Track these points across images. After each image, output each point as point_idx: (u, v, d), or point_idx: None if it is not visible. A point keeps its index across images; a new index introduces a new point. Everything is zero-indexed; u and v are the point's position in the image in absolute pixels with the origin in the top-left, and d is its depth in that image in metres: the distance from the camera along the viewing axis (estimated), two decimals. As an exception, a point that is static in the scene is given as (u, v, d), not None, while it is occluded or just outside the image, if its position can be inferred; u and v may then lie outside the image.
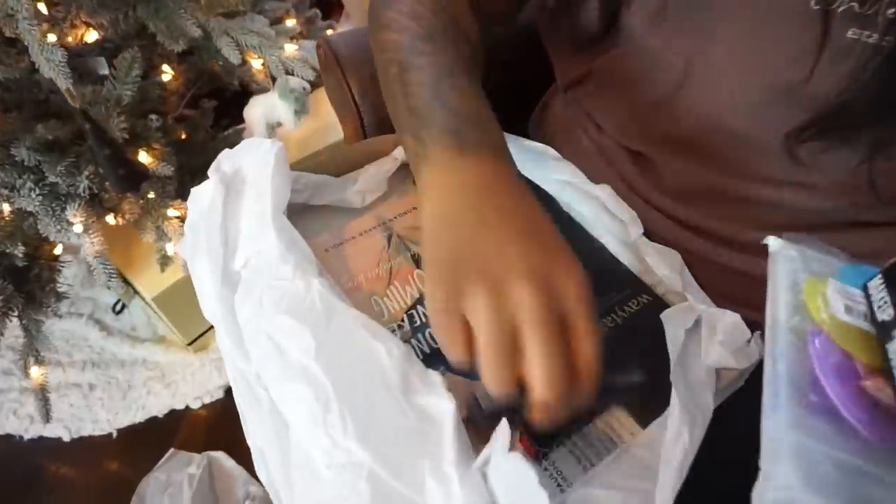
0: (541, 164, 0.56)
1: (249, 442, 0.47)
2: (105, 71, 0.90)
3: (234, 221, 0.49)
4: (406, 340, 0.42)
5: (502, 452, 0.31)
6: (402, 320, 0.43)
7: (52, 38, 0.76)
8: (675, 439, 0.35)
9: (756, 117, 0.43)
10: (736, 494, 0.30)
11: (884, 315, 0.27)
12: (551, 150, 0.54)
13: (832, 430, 0.25)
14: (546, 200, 0.56)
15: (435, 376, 0.37)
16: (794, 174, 0.44)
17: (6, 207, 0.84)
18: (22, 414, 1.18)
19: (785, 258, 0.34)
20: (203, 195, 0.49)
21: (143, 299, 1.30)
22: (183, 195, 0.98)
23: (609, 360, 0.33)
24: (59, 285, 1.01)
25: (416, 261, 0.47)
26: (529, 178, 0.56)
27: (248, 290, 0.45)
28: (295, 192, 0.56)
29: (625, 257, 0.50)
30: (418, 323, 0.43)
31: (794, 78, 0.40)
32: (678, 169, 0.50)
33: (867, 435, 0.25)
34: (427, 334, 0.42)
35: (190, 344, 1.22)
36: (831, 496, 0.23)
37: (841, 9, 0.38)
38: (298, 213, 0.54)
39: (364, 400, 0.37)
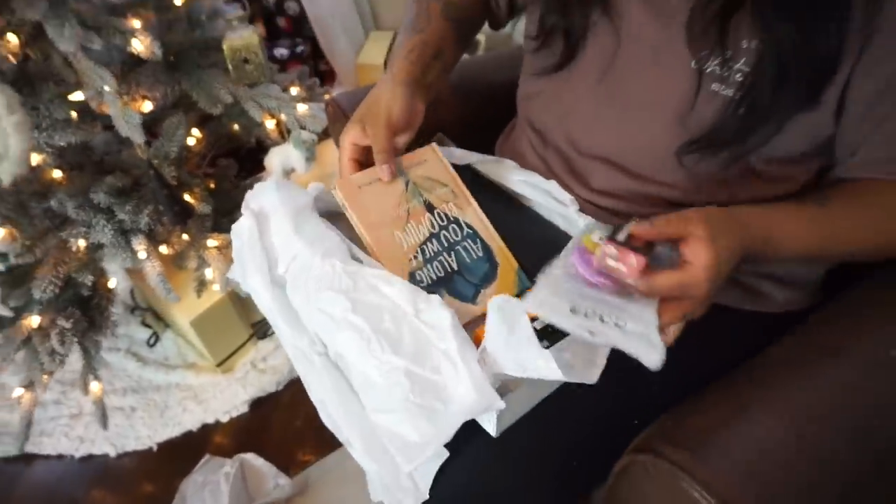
0: (504, 171, 0.79)
1: (312, 397, 0.69)
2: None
3: (269, 241, 0.70)
4: (419, 268, 0.62)
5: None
6: (416, 253, 0.62)
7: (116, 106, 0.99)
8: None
9: (655, 139, 0.65)
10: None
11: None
12: (510, 161, 0.77)
13: (575, 280, 0.51)
14: (510, 197, 0.78)
15: (434, 298, 0.58)
16: (679, 177, 0.65)
17: (82, 243, 1.04)
18: (72, 436, 1.35)
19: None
20: (242, 227, 0.70)
21: (176, 330, 1.49)
22: (217, 230, 1.20)
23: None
24: (112, 313, 1.21)
25: (428, 206, 0.65)
26: (498, 180, 0.78)
27: (295, 285, 0.66)
28: (321, 202, 0.79)
29: (569, 230, 0.72)
30: (428, 256, 0.62)
31: (680, 112, 0.61)
32: (601, 175, 0.72)
33: (589, 280, 0.51)
34: (434, 265, 0.63)
35: (219, 365, 1.41)
36: (562, 297, 0.48)
37: (709, 69, 0.59)
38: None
39: (391, 326, 0.58)
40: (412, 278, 0.60)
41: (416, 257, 0.62)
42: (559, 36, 0.70)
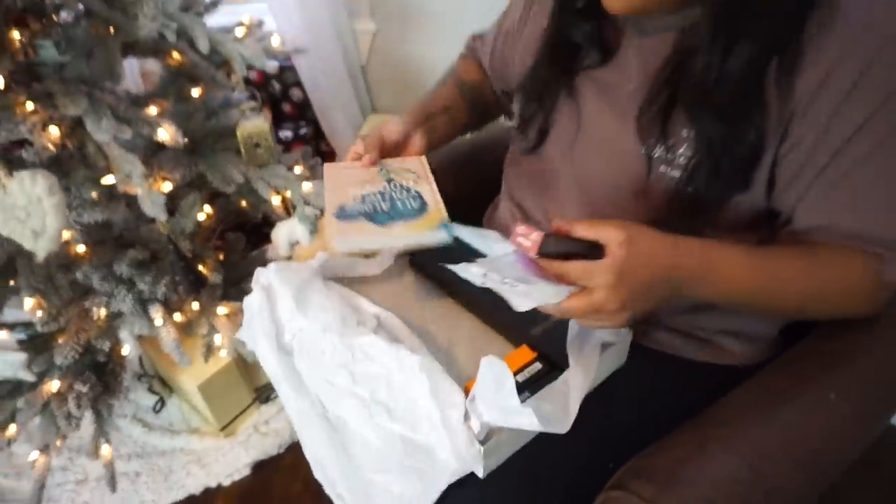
0: (488, 241, 0.89)
1: (308, 454, 0.77)
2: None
3: (277, 313, 0.79)
4: (348, 202, 0.73)
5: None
6: (356, 197, 0.74)
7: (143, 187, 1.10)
8: (575, 377, 0.65)
9: (618, 215, 0.73)
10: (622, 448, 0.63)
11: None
12: (495, 233, 0.87)
13: (509, 262, 0.60)
14: None
15: (415, 361, 0.65)
16: None
17: (103, 311, 1.13)
18: (79, 501, 1.38)
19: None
20: (252, 301, 0.80)
21: (181, 395, 1.55)
22: (226, 298, 1.29)
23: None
24: (125, 379, 1.27)
25: (388, 180, 0.78)
26: (481, 250, 0.88)
27: (300, 354, 0.76)
28: (329, 269, 0.89)
29: None
30: (366, 199, 0.73)
31: (635, 191, 0.72)
32: None
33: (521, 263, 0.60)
34: (365, 204, 0.73)
35: (223, 429, 1.46)
36: (489, 268, 0.58)
37: (656, 154, 0.69)
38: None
39: (387, 395, 0.67)
40: (340, 210, 0.71)
41: (353, 199, 0.73)
42: (535, 121, 0.82)
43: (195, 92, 1.33)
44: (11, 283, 1.16)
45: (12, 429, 1.16)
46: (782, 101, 0.61)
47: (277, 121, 1.83)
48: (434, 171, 0.82)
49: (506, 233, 0.89)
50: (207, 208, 1.43)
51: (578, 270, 0.56)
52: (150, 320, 1.12)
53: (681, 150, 0.67)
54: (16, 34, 0.97)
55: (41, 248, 1.00)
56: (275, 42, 1.36)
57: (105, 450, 1.24)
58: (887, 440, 0.98)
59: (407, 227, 0.70)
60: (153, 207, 1.04)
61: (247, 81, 1.59)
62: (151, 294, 1.14)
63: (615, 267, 0.55)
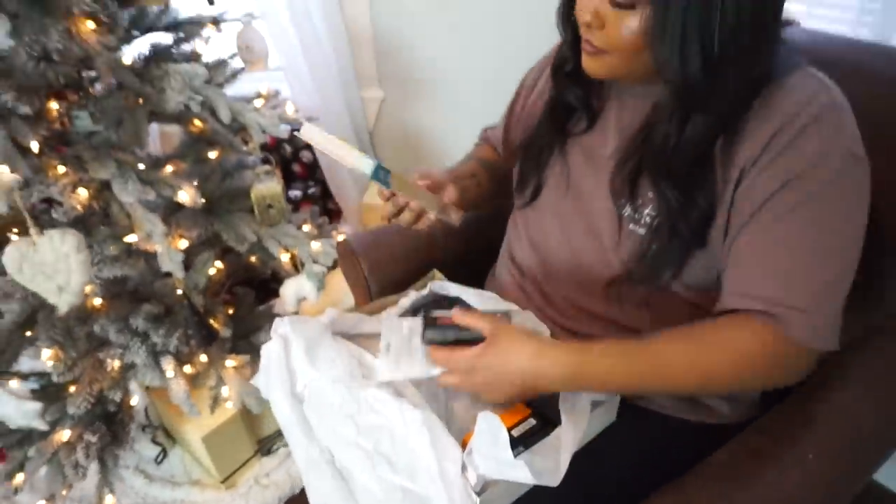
0: (489, 302, 0.95)
1: (312, 500, 0.81)
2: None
3: (291, 363, 0.85)
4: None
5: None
6: None
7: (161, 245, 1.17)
8: (566, 433, 0.70)
9: (591, 271, 0.83)
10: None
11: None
12: (494, 294, 0.93)
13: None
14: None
15: (417, 416, 0.71)
16: (610, 301, 0.83)
17: (117, 363, 1.17)
18: (78, 552, 1.39)
19: None
20: (270, 349, 0.86)
21: (184, 446, 1.57)
22: (235, 351, 1.33)
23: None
24: (132, 429, 1.31)
25: None
26: (483, 309, 0.94)
27: (310, 403, 0.81)
28: (337, 325, 0.94)
29: None
30: None
31: (611, 246, 0.80)
32: (562, 296, 0.89)
33: None
34: None
35: (224, 481, 1.48)
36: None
37: (626, 213, 0.78)
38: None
39: (390, 447, 0.72)
40: None
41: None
42: (531, 179, 0.92)
43: (213, 154, 1.42)
44: (29, 333, 1.21)
45: (20, 478, 1.19)
46: (725, 171, 0.69)
47: (288, 180, 1.92)
48: (436, 245, 0.93)
49: (503, 295, 0.95)
50: (219, 263, 1.50)
51: (441, 357, 0.75)
52: (162, 372, 1.17)
53: (647, 210, 0.76)
54: (54, 105, 1.06)
55: (64, 303, 1.06)
56: (289, 110, 1.46)
57: (109, 500, 1.26)
58: (871, 496, 1.01)
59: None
60: (172, 264, 1.10)
61: (262, 145, 1.68)
62: (164, 347, 1.18)
63: (470, 361, 0.72)
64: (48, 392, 1.19)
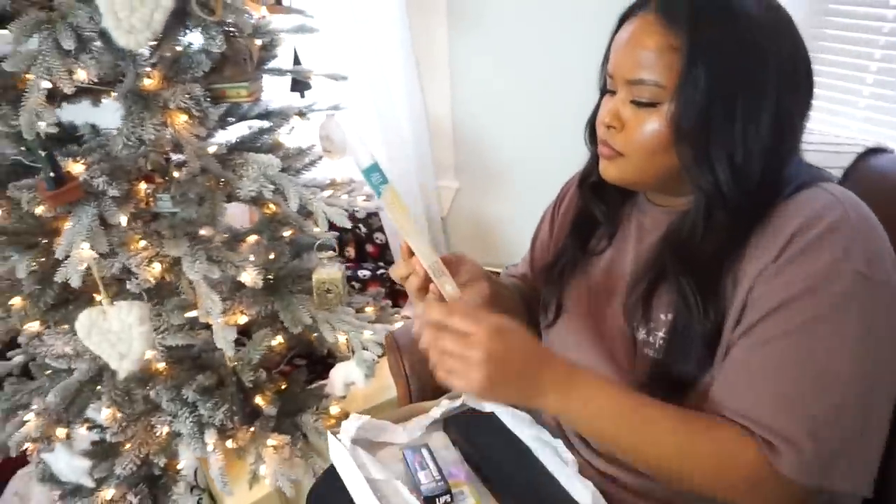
0: (520, 424, 0.92)
1: None
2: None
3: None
4: None
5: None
6: None
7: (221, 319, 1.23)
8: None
9: None
10: None
11: None
12: (526, 416, 0.90)
13: None
14: (524, 448, 0.90)
15: None
16: None
17: (165, 429, 1.23)
18: None
19: None
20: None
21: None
22: (279, 430, 1.36)
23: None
24: (175, 493, 1.35)
25: None
26: (515, 433, 0.91)
27: None
28: (363, 431, 0.95)
29: (570, 489, 0.82)
30: None
31: (626, 368, 0.77)
32: None
33: None
34: None
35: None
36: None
37: (640, 336, 0.76)
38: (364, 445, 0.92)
39: None
40: None
41: None
42: (553, 300, 0.91)
43: (286, 233, 1.50)
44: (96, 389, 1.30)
45: (66, 529, 1.25)
46: (735, 285, 0.67)
47: (360, 259, 1.98)
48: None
49: (537, 417, 0.92)
50: (280, 338, 1.55)
51: (445, 308, 0.66)
52: (205, 444, 1.21)
53: (660, 333, 0.73)
54: (143, 186, 1.16)
55: (124, 369, 1.13)
56: (361, 198, 1.52)
57: (142, 564, 1.29)
58: None
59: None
60: (224, 342, 1.15)
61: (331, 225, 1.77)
62: (210, 419, 1.23)
63: (498, 333, 0.63)
64: (100, 450, 1.26)
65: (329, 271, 1.35)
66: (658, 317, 0.74)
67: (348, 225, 1.30)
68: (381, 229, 1.89)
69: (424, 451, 0.92)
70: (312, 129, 1.57)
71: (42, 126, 0.98)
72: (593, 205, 0.88)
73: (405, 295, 1.99)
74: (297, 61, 1.53)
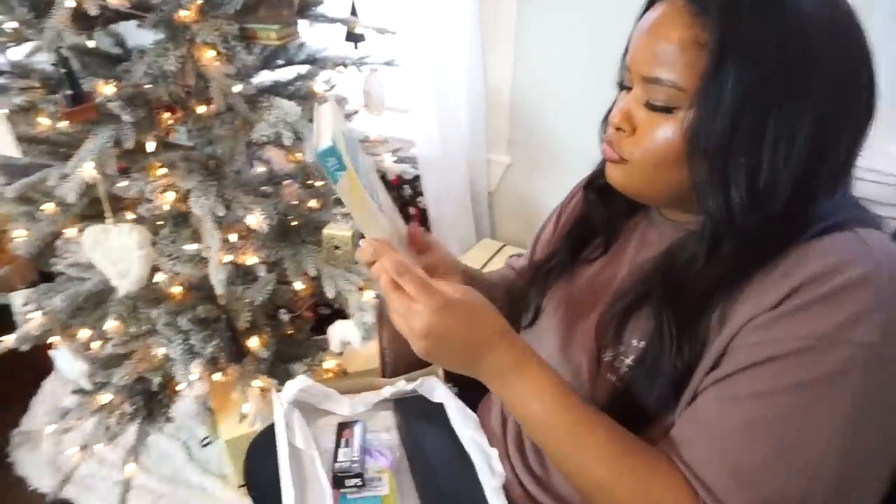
0: (465, 424, 0.86)
1: None
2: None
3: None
4: None
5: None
6: None
7: (227, 258, 1.26)
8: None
9: None
10: None
11: None
12: (474, 418, 0.85)
13: None
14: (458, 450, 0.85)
15: None
16: None
17: (161, 352, 1.29)
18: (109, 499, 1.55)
19: None
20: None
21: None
22: (272, 374, 1.38)
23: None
24: (171, 411, 1.42)
25: None
26: (457, 431, 0.86)
27: None
28: (306, 394, 0.93)
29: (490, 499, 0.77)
30: None
31: (586, 387, 0.70)
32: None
33: None
34: None
35: (241, 487, 1.54)
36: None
37: (605, 358, 0.69)
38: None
39: None
40: None
41: None
42: (534, 299, 0.86)
43: (319, 182, 1.50)
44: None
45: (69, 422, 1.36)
46: (721, 324, 0.59)
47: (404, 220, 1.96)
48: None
49: (484, 422, 0.87)
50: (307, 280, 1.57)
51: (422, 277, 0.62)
52: (190, 372, 1.25)
53: (627, 360, 0.67)
54: (165, 115, 1.19)
55: (123, 288, 1.19)
56: (413, 152, 1.48)
57: (129, 468, 1.38)
58: None
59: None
60: (216, 280, 1.18)
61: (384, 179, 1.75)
62: (201, 350, 1.27)
63: (445, 309, 0.60)
64: (103, 359, 1.34)
65: (340, 227, 1.33)
66: (630, 342, 0.67)
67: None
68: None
69: (356, 428, 0.89)
70: (358, 82, 1.55)
71: (65, 44, 1.02)
72: (594, 209, 0.80)
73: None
74: (353, 12, 1.50)
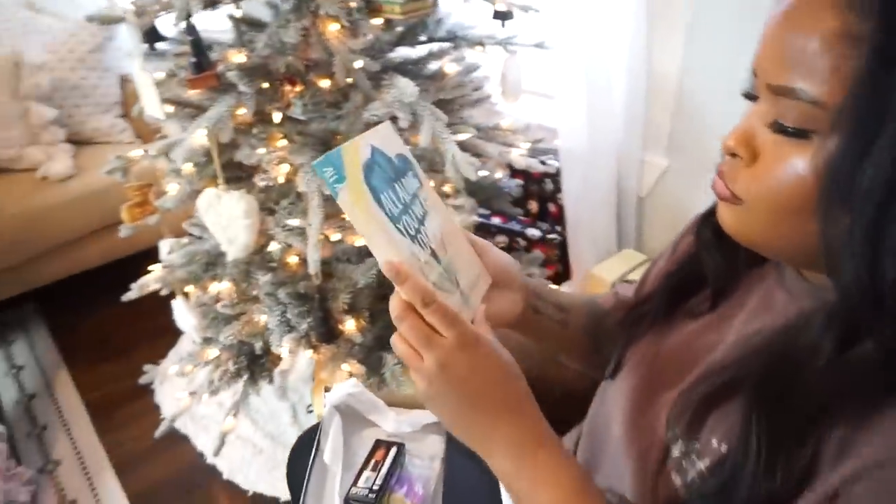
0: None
1: None
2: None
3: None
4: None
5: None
6: None
7: (335, 236, 1.23)
8: None
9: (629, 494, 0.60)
10: None
11: None
12: None
13: None
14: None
15: None
16: None
17: (263, 318, 1.31)
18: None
19: None
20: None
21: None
22: (365, 361, 1.35)
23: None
24: (272, 374, 1.46)
25: None
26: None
27: None
28: (354, 400, 0.87)
29: None
30: None
31: (647, 483, 0.57)
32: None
33: None
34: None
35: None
36: None
37: (674, 453, 0.54)
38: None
39: None
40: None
41: None
42: (618, 349, 0.71)
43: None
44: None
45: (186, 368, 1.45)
46: (836, 459, 0.42)
47: (540, 217, 1.82)
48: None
49: None
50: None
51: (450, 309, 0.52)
52: (282, 345, 1.26)
53: (700, 464, 0.52)
54: (287, 88, 1.18)
55: (230, 253, 1.21)
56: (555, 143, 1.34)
57: (229, 422, 1.45)
58: None
59: None
60: (311, 260, 1.15)
61: (517, 171, 1.61)
62: (296, 324, 1.27)
63: (471, 348, 0.51)
64: (214, 317, 1.40)
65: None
66: (709, 440, 0.52)
67: (473, 176, 1.15)
68: (563, 191, 1.69)
69: (392, 451, 0.81)
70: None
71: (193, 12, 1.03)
72: (707, 251, 0.63)
73: (567, 274, 1.77)
74: (498, -12, 1.37)
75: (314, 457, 0.84)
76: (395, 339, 0.54)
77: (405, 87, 1.13)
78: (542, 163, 1.64)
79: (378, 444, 0.84)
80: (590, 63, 1.46)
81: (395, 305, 0.53)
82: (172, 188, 1.48)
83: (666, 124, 1.52)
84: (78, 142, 2.16)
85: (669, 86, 1.46)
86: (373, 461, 0.81)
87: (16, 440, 1.76)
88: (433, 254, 0.58)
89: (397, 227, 0.54)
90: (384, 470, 0.79)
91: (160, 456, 1.66)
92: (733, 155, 0.49)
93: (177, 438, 1.71)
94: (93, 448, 1.72)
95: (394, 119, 1.18)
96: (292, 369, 1.29)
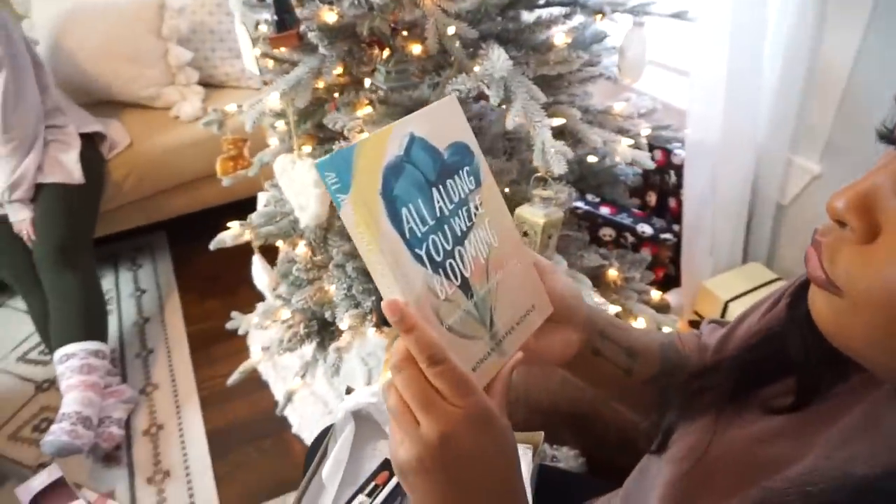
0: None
1: None
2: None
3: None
4: None
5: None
6: None
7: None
8: None
9: None
10: None
11: None
12: None
13: None
14: None
15: None
16: None
17: (332, 288, 1.27)
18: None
19: None
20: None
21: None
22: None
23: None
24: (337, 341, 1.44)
25: None
26: None
27: None
28: (374, 409, 0.81)
29: None
30: None
31: None
32: None
33: None
34: None
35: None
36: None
37: None
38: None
39: None
40: None
41: None
42: (668, 420, 0.58)
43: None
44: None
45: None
46: None
47: (658, 212, 1.60)
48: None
49: None
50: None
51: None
52: (341, 319, 1.22)
53: None
54: (374, 52, 1.10)
55: (302, 220, 1.18)
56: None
57: (297, 381, 1.45)
58: None
59: None
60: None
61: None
62: (361, 299, 1.22)
63: (483, 425, 0.43)
64: (290, 280, 1.39)
65: (532, 212, 1.10)
66: None
67: (562, 169, 1.00)
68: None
69: (395, 479, 0.73)
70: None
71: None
72: (798, 334, 0.48)
73: (676, 280, 1.56)
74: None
75: (316, 467, 0.79)
76: (387, 388, 0.44)
77: (496, 59, 1.00)
78: (668, 151, 1.43)
79: (385, 464, 0.76)
80: (735, 40, 1.22)
81: (396, 349, 0.43)
82: (273, 142, 1.48)
83: (825, 124, 1.24)
84: (209, 84, 2.26)
85: (836, 80, 1.18)
86: (372, 484, 0.73)
87: (126, 360, 1.93)
88: (464, 284, 0.46)
89: (414, 253, 0.43)
90: (382, 496, 0.71)
91: (242, 398, 1.74)
92: (841, 223, 0.35)
93: (260, 384, 1.78)
94: (187, 378, 1.83)
95: (480, 92, 1.06)
96: (349, 347, 1.25)
